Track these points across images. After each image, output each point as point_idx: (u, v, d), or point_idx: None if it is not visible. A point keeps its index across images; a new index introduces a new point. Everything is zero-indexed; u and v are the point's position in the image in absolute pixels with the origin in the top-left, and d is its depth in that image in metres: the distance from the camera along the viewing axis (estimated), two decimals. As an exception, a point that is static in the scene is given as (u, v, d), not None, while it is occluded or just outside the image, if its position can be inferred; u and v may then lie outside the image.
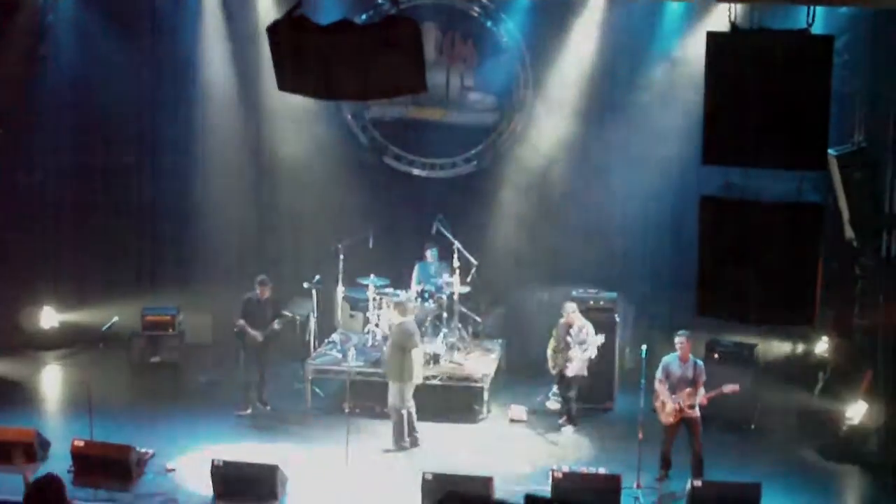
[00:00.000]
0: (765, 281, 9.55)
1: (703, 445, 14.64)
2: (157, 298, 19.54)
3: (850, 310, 17.13)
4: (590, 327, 16.49)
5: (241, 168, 20.31)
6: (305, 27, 9.71)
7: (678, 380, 14.62)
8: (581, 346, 16.33)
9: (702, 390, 14.58)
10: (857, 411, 16.06)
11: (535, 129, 19.51)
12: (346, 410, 15.05)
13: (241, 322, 16.88)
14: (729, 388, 14.76)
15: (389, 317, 15.57)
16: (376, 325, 17.92)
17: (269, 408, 17.10)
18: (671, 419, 14.62)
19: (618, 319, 17.58)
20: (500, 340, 18.96)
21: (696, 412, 14.61)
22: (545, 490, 13.46)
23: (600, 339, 16.38)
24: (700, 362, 14.91)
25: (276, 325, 17.17)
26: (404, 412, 15.81)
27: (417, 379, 16.07)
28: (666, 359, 14.87)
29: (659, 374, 14.77)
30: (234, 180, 20.27)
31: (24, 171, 19.82)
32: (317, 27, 9.72)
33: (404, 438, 15.88)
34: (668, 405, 14.56)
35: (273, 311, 17.18)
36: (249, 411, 16.96)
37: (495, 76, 19.63)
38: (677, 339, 14.75)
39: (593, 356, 16.46)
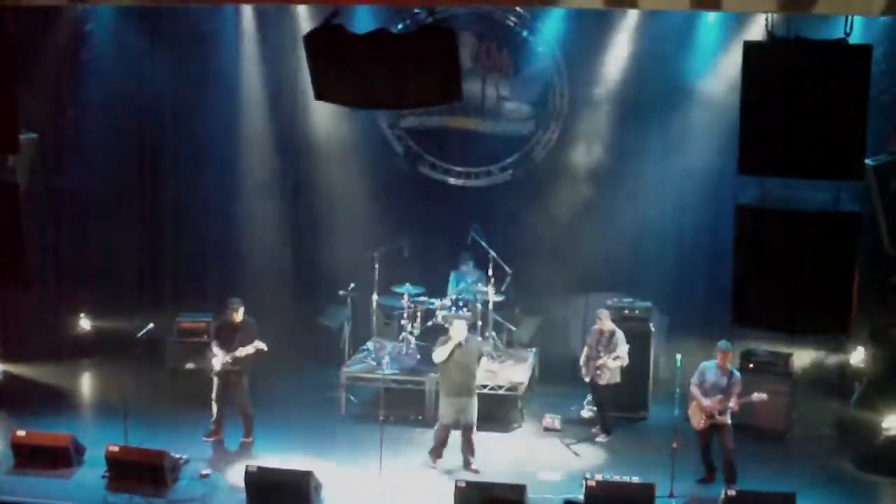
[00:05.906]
0: (800, 290, 9.53)
1: (738, 455, 14.60)
2: (191, 305, 19.60)
3: (886, 319, 17.04)
4: (621, 335, 16.47)
5: (277, 176, 20.41)
6: (342, 36, 9.78)
7: (711, 386, 14.60)
8: (612, 355, 16.32)
9: (733, 399, 14.55)
10: (893, 422, 15.96)
11: (570, 139, 19.49)
12: (381, 418, 15.05)
13: (213, 346, 16.08)
14: (757, 396, 14.72)
15: (460, 331, 15.24)
16: (410, 333, 17.93)
17: (251, 440, 16.09)
18: (702, 424, 14.61)
19: (652, 328, 17.55)
20: (534, 349, 18.94)
21: (727, 419, 14.58)
22: (579, 499, 13.54)
23: (626, 347, 16.34)
24: (737, 373, 14.86)
25: (239, 352, 15.64)
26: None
27: None
28: (704, 364, 14.86)
29: (695, 378, 14.78)
30: (271, 188, 20.36)
31: (59, 176, 19.88)
32: (354, 36, 9.79)
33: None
34: (703, 403, 14.52)
35: (243, 337, 15.77)
36: (213, 439, 16.19)
37: (531, 86, 19.64)
38: (719, 348, 14.73)
39: (625, 364, 16.45)
